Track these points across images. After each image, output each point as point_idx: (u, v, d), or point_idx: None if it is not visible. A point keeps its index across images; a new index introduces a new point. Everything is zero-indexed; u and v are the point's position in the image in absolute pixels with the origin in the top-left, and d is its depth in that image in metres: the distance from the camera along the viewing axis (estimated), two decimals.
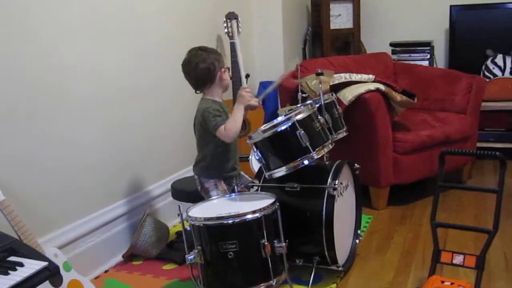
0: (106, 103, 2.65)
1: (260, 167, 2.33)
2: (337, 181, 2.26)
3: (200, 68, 2.31)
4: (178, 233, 2.92)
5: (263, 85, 4.32)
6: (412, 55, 4.50)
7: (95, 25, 2.57)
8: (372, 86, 3.03)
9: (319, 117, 2.31)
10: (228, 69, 2.43)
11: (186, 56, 2.36)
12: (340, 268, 2.32)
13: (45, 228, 2.31)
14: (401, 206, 3.25)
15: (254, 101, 2.38)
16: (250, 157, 3.08)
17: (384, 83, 3.08)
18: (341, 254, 2.36)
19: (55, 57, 2.35)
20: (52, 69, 2.33)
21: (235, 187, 2.43)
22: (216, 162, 2.38)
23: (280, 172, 2.22)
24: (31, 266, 1.52)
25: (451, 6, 4.36)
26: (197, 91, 2.40)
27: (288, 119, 2.17)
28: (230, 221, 1.97)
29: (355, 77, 3.12)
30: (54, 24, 2.34)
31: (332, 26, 4.73)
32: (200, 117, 2.32)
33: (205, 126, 2.30)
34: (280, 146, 2.21)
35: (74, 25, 2.44)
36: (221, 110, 2.32)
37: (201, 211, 2.10)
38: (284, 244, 2.05)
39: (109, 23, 2.67)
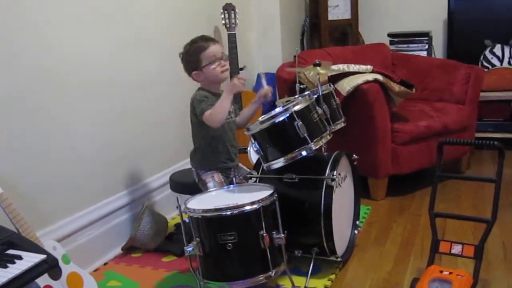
0: (104, 95, 2.64)
1: (258, 158, 2.33)
2: (335, 172, 2.26)
3: (183, 65, 2.37)
4: (177, 225, 2.92)
5: (261, 77, 4.31)
6: (410, 45, 4.49)
7: (93, 15, 2.55)
8: (370, 76, 3.02)
9: (317, 108, 2.31)
10: (220, 62, 2.32)
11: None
12: (339, 259, 2.33)
13: (44, 221, 2.31)
14: (399, 197, 3.25)
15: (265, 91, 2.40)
16: (248, 148, 3.08)
17: (382, 74, 3.07)
18: (340, 245, 2.36)
19: (53, 47, 2.33)
20: (50, 60, 2.32)
21: (233, 179, 2.43)
22: (209, 153, 2.38)
23: (278, 163, 2.21)
24: (29, 259, 1.51)
25: None
26: None
27: (286, 110, 2.16)
28: (228, 213, 1.97)
29: (353, 68, 3.11)
30: (52, 14, 2.32)
31: (330, 17, 4.71)
32: (191, 108, 2.33)
33: (196, 116, 2.31)
34: (278, 137, 2.20)
35: (71, 15, 2.42)
36: (209, 96, 2.30)
37: (200, 203, 2.10)
38: (282, 235, 2.05)
39: (107, 13, 2.65)
